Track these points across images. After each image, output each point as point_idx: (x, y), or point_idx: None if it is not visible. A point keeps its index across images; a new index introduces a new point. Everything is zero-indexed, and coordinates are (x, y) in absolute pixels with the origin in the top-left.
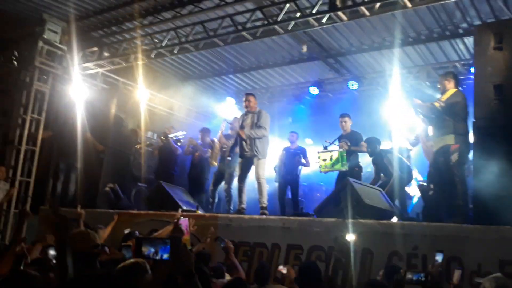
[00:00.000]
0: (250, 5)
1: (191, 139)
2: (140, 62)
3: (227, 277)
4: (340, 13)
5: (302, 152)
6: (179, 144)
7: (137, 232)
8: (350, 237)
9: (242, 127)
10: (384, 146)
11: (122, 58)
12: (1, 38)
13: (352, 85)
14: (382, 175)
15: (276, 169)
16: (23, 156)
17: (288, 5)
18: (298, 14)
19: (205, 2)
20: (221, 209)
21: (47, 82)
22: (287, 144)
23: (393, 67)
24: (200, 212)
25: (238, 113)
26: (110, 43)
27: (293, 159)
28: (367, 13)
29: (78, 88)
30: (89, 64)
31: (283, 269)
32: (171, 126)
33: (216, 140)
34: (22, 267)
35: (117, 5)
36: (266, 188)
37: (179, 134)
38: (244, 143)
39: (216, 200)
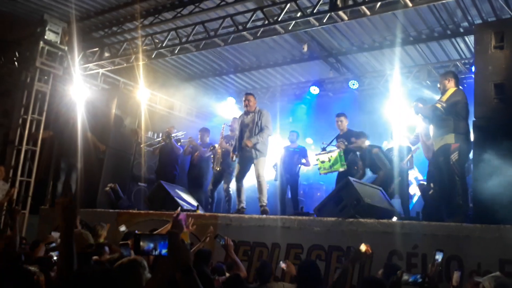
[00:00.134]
0: (250, 5)
1: (191, 139)
2: (140, 62)
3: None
4: (340, 13)
5: (302, 151)
6: (179, 144)
7: (136, 232)
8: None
9: (242, 127)
10: (371, 142)
11: (122, 59)
12: (2, 39)
13: (353, 84)
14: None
15: (275, 168)
16: (23, 156)
17: (288, 5)
18: (298, 14)
19: (206, 2)
20: (221, 209)
21: (48, 82)
22: (287, 143)
23: (394, 67)
24: (200, 211)
25: (239, 113)
26: (111, 43)
27: (292, 158)
28: (367, 12)
29: (79, 88)
30: (90, 65)
31: (283, 265)
32: (172, 126)
33: (217, 146)
34: (23, 266)
35: (117, 6)
36: (266, 187)
37: (179, 134)
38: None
39: (216, 200)
